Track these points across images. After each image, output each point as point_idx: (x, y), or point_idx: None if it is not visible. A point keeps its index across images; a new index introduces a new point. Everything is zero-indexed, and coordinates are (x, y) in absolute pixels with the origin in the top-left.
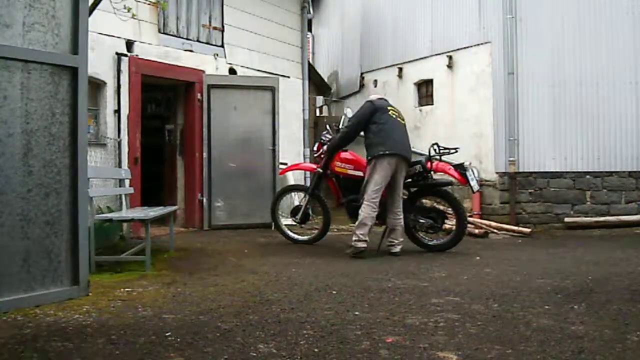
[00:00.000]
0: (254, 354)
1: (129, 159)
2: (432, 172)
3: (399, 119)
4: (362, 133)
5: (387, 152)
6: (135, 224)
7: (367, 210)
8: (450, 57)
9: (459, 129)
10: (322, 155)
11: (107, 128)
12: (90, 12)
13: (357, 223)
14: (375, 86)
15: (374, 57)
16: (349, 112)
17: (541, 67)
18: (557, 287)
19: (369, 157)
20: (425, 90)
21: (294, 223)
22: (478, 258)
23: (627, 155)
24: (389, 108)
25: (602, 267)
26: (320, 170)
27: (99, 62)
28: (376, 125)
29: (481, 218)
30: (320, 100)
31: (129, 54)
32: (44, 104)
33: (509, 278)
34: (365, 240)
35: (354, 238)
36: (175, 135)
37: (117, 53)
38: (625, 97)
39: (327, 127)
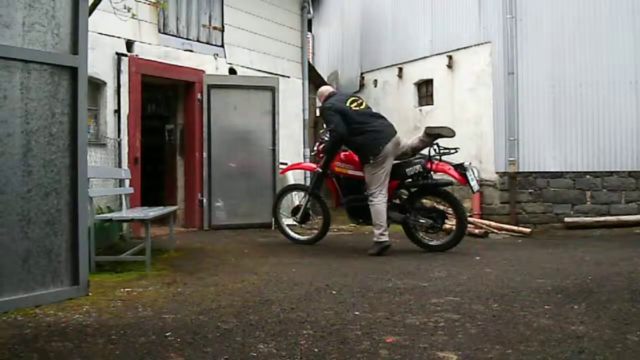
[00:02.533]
0: (254, 354)
1: (129, 159)
2: (432, 172)
3: (363, 107)
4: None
5: (378, 155)
6: (135, 224)
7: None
8: (450, 57)
9: (459, 129)
10: (322, 155)
11: (107, 128)
12: (90, 12)
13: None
14: (375, 86)
15: (374, 57)
16: None
17: (541, 67)
18: (557, 287)
19: (364, 163)
20: (425, 90)
21: (294, 223)
22: (478, 258)
23: (627, 155)
24: (349, 106)
25: (602, 267)
26: (320, 170)
27: (99, 62)
28: (352, 128)
29: (481, 218)
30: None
31: (129, 54)
32: (43, 104)
33: (509, 278)
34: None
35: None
36: (175, 135)
37: (117, 53)
38: (625, 97)
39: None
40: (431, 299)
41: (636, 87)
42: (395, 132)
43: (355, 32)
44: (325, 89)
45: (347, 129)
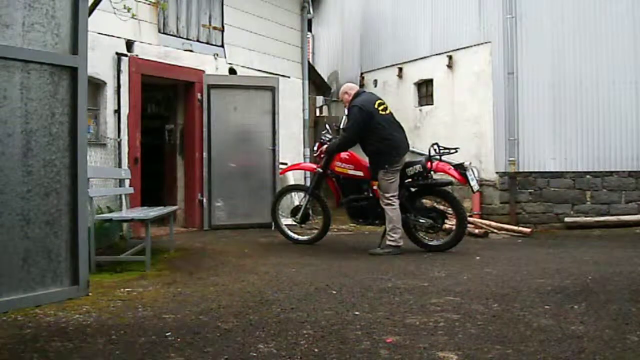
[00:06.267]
0: (254, 354)
1: (129, 159)
2: (432, 172)
3: (388, 112)
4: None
5: (395, 164)
6: (135, 224)
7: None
8: (450, 57)
9: (459, 129)
10: (322, 155)
11: (107, 128)
12: (90, 12)
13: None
14: (375, 86)
15: (374, 57)
16: None
17: (541, 67)
18: (557, 287)
19: (378, 169)
20: (425, 90)
21: (294, 223)
22: (478, 258)
23: (627, 155)
24: (377, 108)
25: (602, 267)
26: (321, 170)
27: (99, 62)
28: (375, 131)
29: (481, 218)
30: (320, 100)
31: (129, 54)
32: (43, 104)
33: (509, 278)
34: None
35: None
36: (175, 135)
37: (117, 53)
38: (625, 97)
39: (327, 126)
40: (431, 299)
41: (636, 87)
42: (409, 147)
43: (355, 32)
44: (351, 86)
45: (369, 132)
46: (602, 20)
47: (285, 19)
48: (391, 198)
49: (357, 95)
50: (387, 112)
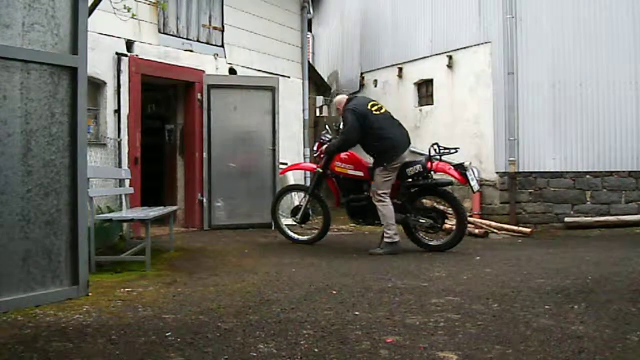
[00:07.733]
0: (254, 354)
1: (129, 159)
2: (432, 172)
3: (383, 111)
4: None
5: (393, 162)
6: (135, 224)
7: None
8: (450, 57)
9: (459, 129)
10: (322, 155)
11: (107, 128)
12: (90, 12)
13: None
14: (375, 86)
15: (373, 57)
16: None
17: (541, 67)
18: (557, 287)
19: (377, 166)
20: (425, 90)
21: (294, 223)
22: (478, 258)
23: (627, 155)
24: (370, 109)
25: (602, 267)
26: (320, 170)
27: (99, 62)
28: (373, 132)
29: (481, 218)
30: (320, 100)
31: (128, 54)
32: (43, 104)
33: (509, 278)
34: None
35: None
36: (175, 135)
37: (117, 53)
38: (625, 97)
39: (327, 127)
40: (431, 299)
41: (636, 87)
42: (409, 142)
43: (355, 32)
44: (342, 97)
45: (366, 133)
46: (601, 21)
47: (285, 19)
48: (382, 195)
49: (349, 101)
50: (382, 111)
